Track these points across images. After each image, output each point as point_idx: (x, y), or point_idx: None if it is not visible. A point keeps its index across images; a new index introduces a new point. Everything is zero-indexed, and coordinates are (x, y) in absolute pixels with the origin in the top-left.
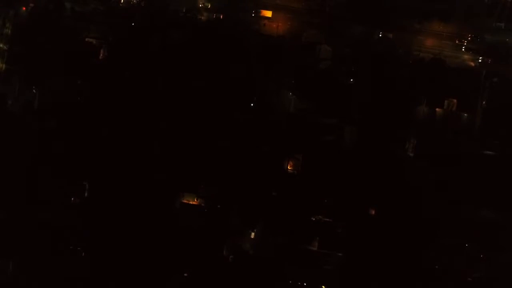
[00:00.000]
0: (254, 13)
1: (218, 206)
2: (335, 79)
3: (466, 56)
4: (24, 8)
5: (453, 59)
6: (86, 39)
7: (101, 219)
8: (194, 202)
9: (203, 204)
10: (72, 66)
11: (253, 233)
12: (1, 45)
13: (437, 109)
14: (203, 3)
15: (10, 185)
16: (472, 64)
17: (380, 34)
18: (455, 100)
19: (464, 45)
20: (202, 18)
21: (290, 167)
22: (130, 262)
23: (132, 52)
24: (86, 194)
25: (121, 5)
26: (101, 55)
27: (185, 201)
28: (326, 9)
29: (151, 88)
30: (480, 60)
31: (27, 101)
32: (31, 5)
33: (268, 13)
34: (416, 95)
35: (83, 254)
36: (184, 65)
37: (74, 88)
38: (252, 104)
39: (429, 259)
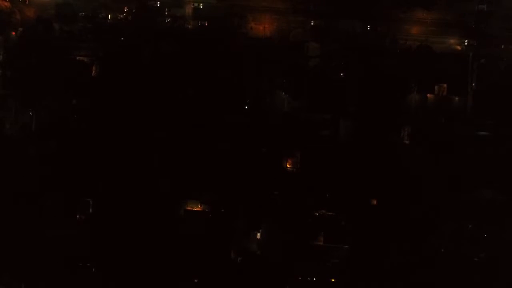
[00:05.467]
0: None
1: (222, 210)
2: (326, 75)
3: (452, 41)
4: (13, 33)
5: (439, 44)
6: (77, 58)
7: (108, 233)
8: (198, 208)
9: (207, 210)
10: (66, 86)
11: (258, 234)
12: None
13: (428, 95)
14: (191, 11)
15: (15, 206)
16: (459, 47)
17: (366, 26)
18: (445, 85)
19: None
20: (190, 26)
21: (289, 165)
22: (140, 273)
23: (124, 66)
24: (90, 210)
25: (108, 21)
26: (94, 72)
27: (189, 208)
28: (310, 6)
29: (147, 100)
30: (466, 43)
31: (24, 124)
32: (20, 29)
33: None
34: (406, 83)
35: (93, 269)
36: (177, 74)
37: (70, 107)
38: (246, 107)
39: (434, 244)
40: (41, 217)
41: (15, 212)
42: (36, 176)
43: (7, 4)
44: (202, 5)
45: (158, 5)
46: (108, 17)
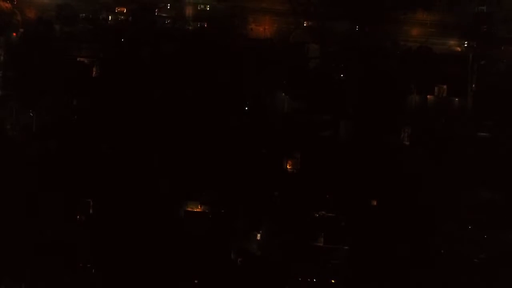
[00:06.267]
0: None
1: (222, 211)
2: (326, 76)
3: (452, 42)
4: (14, 34)
5: (439, 46)
6: (78, 59)
7: (108, 234)
8: (198, 209)
9: (207, 211)
10: (66, 86)
11: (258, 235)
12: None
13: (428, 96)
14: (192, 12)
15: (15, 207)
16: (459, 49)
17: (366, 28)
18: (445, 86)
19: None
20: (190, 27)
21: (289, 166)
22: (140, 273)
23: (124, 67)
24: (91, 211)
25: (109, 22)
26: (94, 73)
27: (189, 209)
28: (311, 8)
29: (147, 101)
30: (466, 45)
31: (25, 124)
32: (21, 30)
33: None
34: (406, 84)
35: (93, 270)
36: (177, 75)
37: (70, 108)
38: (246, 108)
39: (434, 244)
40: (41, 217)
41: (15, 213)
42: (37, 176)
43: (7, 5)
44: (204, 6)
45: (168, 6)
46: (108, 18)
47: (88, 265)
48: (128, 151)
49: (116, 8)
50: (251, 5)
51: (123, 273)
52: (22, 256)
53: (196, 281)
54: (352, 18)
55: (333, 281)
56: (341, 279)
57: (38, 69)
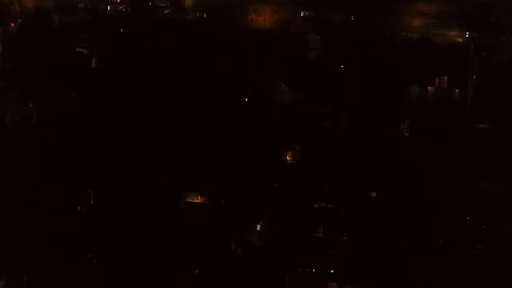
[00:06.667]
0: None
1: (222, 202)
2: (326, 67)
3: (453, 33)
4: (12, 24)
5: (440, 36)
6: (77, 49)
7: (109, 225)
8: (198, 200)
9: (207, 202)
10: (65, 77)
11: (258, 225)
12: None
13: (428, 87)
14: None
15: (16, 199)
16: (460, 40)
17: (365, 18)
18: (445, 77)
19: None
20: (189, 18)
21: (289, 157)
22: (141, 264)
23: (123, 57)
24: (91, 202)
25: (108, 12)
26: (93, 63)
27: (189, 200)
28: None
29: (147, 92)
30: (467, 35)
31: (24, 116)
32: (19, 20)
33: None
34: (407, 75)
35: (94, 260)
36: (177, 66)
37: (70, 99)
38: (246, 99)
39: (432, 235)
40: (42, 209)
41: (16, 204)
42: (37, 168)
43: None
44: None
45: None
46: (107, 8)
47: (90, 255)
48: (128, 142)
49: None
50: None
51: (123, 263)
52: (23, 247)
53: (196, 272)
54: (351, 8)
55: (332, 271)
56: (341, 270)
57: (36, 60)
